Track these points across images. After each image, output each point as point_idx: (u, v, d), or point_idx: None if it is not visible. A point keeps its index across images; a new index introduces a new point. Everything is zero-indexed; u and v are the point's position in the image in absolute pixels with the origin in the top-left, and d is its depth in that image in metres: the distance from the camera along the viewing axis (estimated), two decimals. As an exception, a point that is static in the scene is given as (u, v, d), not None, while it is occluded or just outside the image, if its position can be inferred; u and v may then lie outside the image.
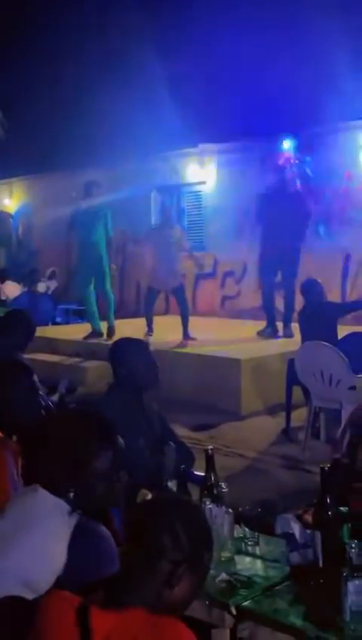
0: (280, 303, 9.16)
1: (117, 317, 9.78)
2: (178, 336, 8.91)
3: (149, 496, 2.90)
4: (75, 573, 2.07)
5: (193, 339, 8.87)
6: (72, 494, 2.19)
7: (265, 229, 8.89)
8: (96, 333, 9.48)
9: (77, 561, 2.09)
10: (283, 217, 8.62)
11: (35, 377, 3.45)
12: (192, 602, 1.91)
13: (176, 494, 2.83)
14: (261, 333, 9.03)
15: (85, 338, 9.49)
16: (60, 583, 2.06)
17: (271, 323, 9.03)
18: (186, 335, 8.88)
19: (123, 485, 2.32)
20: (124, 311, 12.02)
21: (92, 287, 9.46)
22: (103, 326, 9.40)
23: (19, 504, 2.24)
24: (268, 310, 9.10)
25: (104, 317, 9.43)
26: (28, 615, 1.87)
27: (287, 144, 10.97)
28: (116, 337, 5.91)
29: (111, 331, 9.24)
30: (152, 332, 9.17)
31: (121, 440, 2.33)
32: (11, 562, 2.09)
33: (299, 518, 2.73)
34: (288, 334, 8.73)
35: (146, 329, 9.21)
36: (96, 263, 9.26)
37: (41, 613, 1.83)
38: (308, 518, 2.71)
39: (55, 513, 2.15)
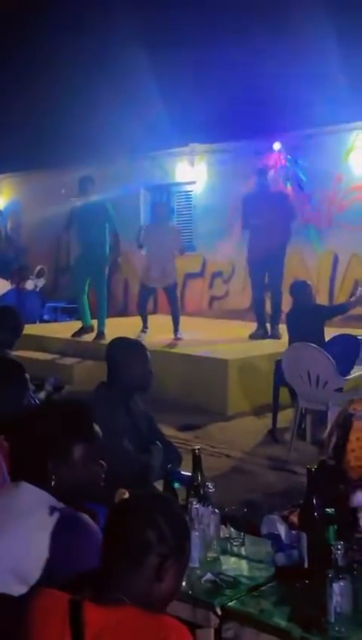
0: (267, 304, 9.17)
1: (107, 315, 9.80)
2: (166, 335, 8.91)
3: (126, 495, 2.90)
4: (60, 564, 2.08)
5: (179, 339, 8.89)
6: (52, 483, 2.20)
7: (252, 230, 8.90)
8: (86, 329, 9.42)
9: (61, 552, 2.10)
10: (268, 218, 8.61)
11: (27, 375, 3.44)
12: (178, 592, 1.94)
13: (150, 489, 2.84)
14: (253, 336, 8.98)
15: (74, 335, 9.45)
16: (46, 574, 2.07)
17: (262, 325, 9.02)
18: (177, 333, 8.87)
19: (103, 475, 2.30)
20: (113, 309, 12.00)
21: (87, 285, 9.41)
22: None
23: (4, 498, 2.26)
24: (258, 313, 9.08)
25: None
26: (15, 612, 1.87)
27: (278, 145, 10.99)
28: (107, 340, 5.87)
29: (100, 336, 9.12)
30: (147, 329, 9.12)
31: (98, 430, 2.32)
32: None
33: (285, 519, 2.74)
34: (275, 335, 8.73)
35: (141, 326, 9.15)
36: (95, 263, 9.12)
37: (30, 610, 1.83)
38: (294, 519, 2.72)
39: (38, 505, 2.17)
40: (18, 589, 2.07)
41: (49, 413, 2.42)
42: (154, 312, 11.54)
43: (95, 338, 9.11)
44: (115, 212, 9.23)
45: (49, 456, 2.22)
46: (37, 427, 2.32)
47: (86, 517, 2.20)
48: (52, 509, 2.16)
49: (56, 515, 2.15)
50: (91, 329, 9.39)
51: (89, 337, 9.28)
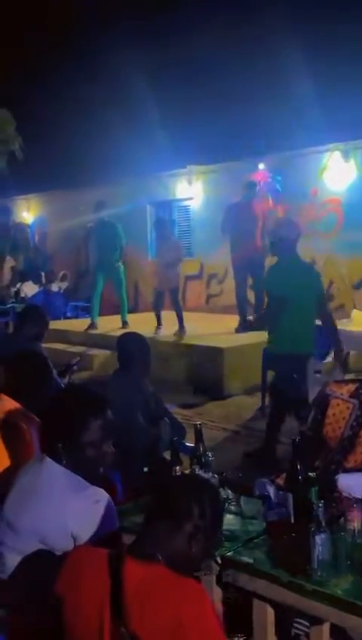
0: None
1: (116, 313, 9.89)
2: (172, 328, 8.83)
3: (183, 471, 2.89)
4: (81, 533, 2.05)
5: (183, 333, 8.77)
6: (64, 461, 2.16)
7: (232, 238, 8.74)
8: (93, 324, 9.62)
9: (82, 522, 2.06)
10: (245, 227, 8.47)
11: (50, 363, 3.44)
12: (201, 565, 1.98)
13: (205, 477, 2.82)
14: (237, 330, 8.88)
15: (86, 330, 9.57)
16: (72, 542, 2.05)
17: (243, 320, 8.94)
18: (182, 329, 8.78)
19: (111, 452, 2.26)
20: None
21: (100, 289, 9.66)
22: (111, 320, 9.47)
23: (30, 472, 2.23)
24: (241, 309, 8.97)
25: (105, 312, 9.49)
26: (54, 566, 1.86)
27: (262, 165, 10.95)
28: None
29: (125, 325, 9.37)
30: (162, 325, 9.04)
31: (110, 413, 2.28)
32: (25, 523, 2.09)
33: (273, 481, 2.74)
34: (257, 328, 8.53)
35: (156, 323, 9.10)
36: (110, 265, 9.45)
37: (70, 564, 1.81)
38: (280, 481, 2.72)
39: (59, 479, 2.13)
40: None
41: (64, 400, 2.36)
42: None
43: (121, 327, 9.16)
44: (125, 224, 9.39)
45: (60, 438, 2.18)
46: (52, 410, 2.28)
47: (100, 490, 2.15)
48: (71, 484, 2.12)
49: (75, 487, 2.12)
50: (96, 326, 9.57)
51: (113, 331, 9.28)
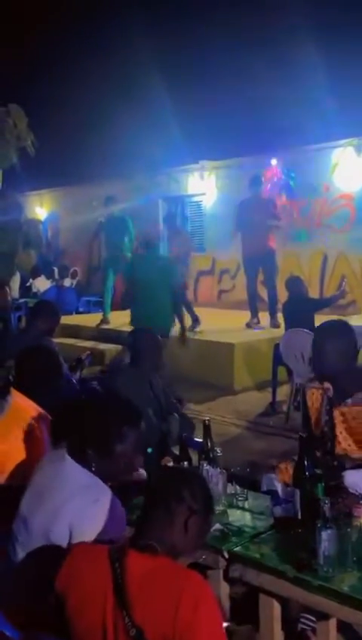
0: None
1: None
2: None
3: (171, 463, 2.90)
4: (86, 534, 2.04)
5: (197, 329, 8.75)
6: (93, 467, 2.15)
7: (243, 234, 8.73)
8: (105, 320, 9.63)
9: (89, 524, 2.05)
10: (257, 222, 8.42)
11: (61, 358, 3.46)
12: (200, 546, 1.99)
13: (192, 468, 2.84)
14: (249, 325, 8.88)
15: (98, 325, 9.57)
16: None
17: (255, 315, 8.92)
18: (195, 324, 8.70)
19: (140, 461, 2.28)
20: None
21: (111, 283, 9.65)
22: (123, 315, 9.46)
23: (49, 470, 2.22)
24: (252, 305, 8.96)
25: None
26: (56, 559, 1.87)
27: (275, 161, 10.92)
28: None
29: None
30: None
31: (143, 425, 2.28)
32: (36, 521, 2.10)
33: (273, 468, 2.77)
34: (274, 324, 8.49)
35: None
36: (122, 265, 9.11)
37: (70, 560, 1.83)
38: (284, 471, 2.75)
39: (79, 480, 2.13)
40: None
41: (102, 407, 2.31)
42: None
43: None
44: (136, 220, 9.43)
45: (92, 445, 2.17)
46: (86, 415, 2.24)
47: (107, 491, 2.13)
48: (87, 485, 2.12)
49: (92, 491, 2.11)
50: (108, 321, 9.58)
51: (124, 325, 9.26)
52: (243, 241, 8.77)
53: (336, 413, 2.85)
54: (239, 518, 2.66)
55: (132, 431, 2.22)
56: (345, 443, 2.82)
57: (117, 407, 2.31)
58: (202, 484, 1.99)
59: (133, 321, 6.51)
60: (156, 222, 12.83)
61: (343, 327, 3.04)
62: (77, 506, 2.06)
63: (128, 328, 7.41)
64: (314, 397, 3.00)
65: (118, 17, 14.40)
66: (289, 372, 6.63)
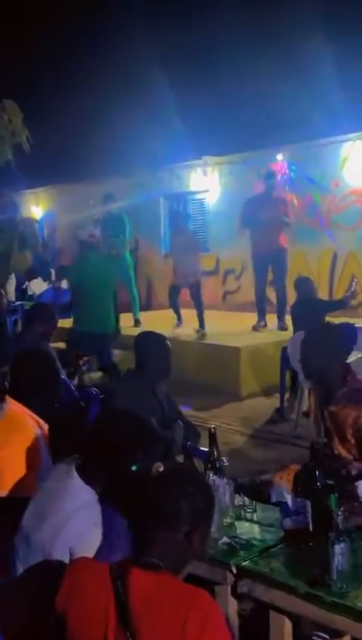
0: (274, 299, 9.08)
1: (128, 310, 9.84)
2: (189, 326, 8.81)
3: (162, 468, 2.88)
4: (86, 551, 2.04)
5: (203, 333, 8.74)
6: (98, 490, 2.16)
7: (253, 232, 8.73)
8: None
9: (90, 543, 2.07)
10: (267, 220, 8.42)
11: (58, 364, 3.45)
12: (203, 554, 2.01)
13: (184, 465, 2.82)
14: (255, 327, 8.86)
15: None
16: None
17: (262, 317, 8.91)
18: (202, 329, 8.71)
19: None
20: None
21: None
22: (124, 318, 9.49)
23: (56, 484, 2.22)
24: (260, 307, 8.94)
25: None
26: (56, 576, 1.86)
27: (281, 156, 10.91)
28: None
29: (137, 324, 9.29)
30: (182, 323, 9.01)
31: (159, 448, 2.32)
32: (41, 537, 2.09)
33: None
34: (282, 327, 8.48)
35: (176, 321, 9.05)
36: (119, 263, 9.20)
37: (70, 577, 1.81)
38: (282, 477, 2.75)
39: (83, 500, 2.13)
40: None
41: (119, 428, 2.33)
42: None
43: (133, 326, 9.10)
44: (137, 218, 9.38)
45: (108, 468, 2.19)
46: (106, 439, 2.26)
47: (119, 515, 2.14)
48: (92, 504, 2.13)
49: (97, 510, 2.12)
50: None
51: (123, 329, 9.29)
52: (252, 239, 8.75)
53: (326, 413, 2.95)
54: (247, 530, 2.65)
55: (149, 458, 2.29)
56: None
57: (142, 436, 2.36)
58: (201, 487, 1.96)
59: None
60: (158, 221, 12.85)
61: (328, 329, 3.40)
62: (79, 524, 2.06)
63: (128, 332, 7.44)
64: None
65: (118, 10, 14.43)
66: (297, 377, 6.59)
